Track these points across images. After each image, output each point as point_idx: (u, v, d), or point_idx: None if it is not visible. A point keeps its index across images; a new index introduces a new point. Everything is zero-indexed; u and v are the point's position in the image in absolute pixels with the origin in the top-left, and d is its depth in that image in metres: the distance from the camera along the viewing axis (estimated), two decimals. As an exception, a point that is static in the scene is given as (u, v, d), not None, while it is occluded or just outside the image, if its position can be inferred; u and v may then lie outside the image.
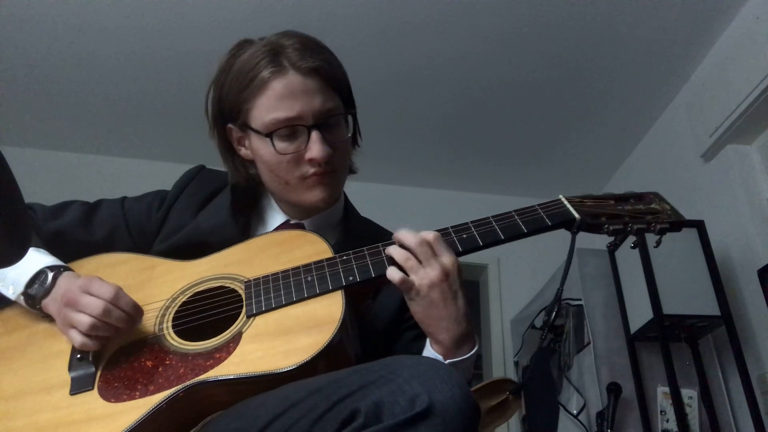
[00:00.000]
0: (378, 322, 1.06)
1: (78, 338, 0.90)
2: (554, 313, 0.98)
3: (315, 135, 1.00)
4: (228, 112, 1.06)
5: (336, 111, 1.03)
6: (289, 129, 1.00)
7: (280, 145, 1.01)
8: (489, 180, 3.52)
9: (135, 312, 0.92)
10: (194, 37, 2.62)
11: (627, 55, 2.71)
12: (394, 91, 2.89)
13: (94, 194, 1.26)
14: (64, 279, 0.96)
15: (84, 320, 0.89)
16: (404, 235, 0.93)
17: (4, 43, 2.63)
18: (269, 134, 1.00)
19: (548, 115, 3.06)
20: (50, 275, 0.96)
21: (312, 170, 1.02)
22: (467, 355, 0.92)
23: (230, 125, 1.07)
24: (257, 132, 1.02)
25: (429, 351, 0.94)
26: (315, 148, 1.00)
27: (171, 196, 1.15)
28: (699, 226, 2.35)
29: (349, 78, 1.09)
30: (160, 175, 1.60)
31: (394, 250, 0.92)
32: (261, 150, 1.04)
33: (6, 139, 3.03)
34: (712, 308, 2.22)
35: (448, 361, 0.91)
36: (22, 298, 0.97)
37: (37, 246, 1.03)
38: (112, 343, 0.94)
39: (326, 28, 2.54)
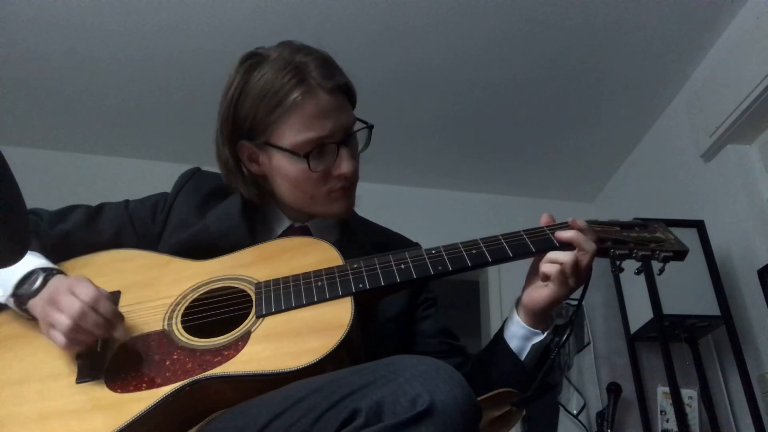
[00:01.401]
0: (385, 325, 1.07)
1: (60, 339, 0.88)
2: (567, 335, 1.03)
3: (344, 152, 1.05)
4: (247, 130, 1.05)
5: (357, 122, 1.09)
6: (320, 148, 1.03)
7: (313, 163, 1.03)
8: (490, 180, 3.51)
9: (114, 318, 0.91)
10: (194, 38, 2.61)
11: (627, 55, 2.71)
12: (395, 92, 2.89)
13: (95, 194, 1.27)
14: (55, 281, 0.95)
15: (63, 321, 0.88)
16: (580, 238, 0.99)
17: (4, 43, 2.63)
18: (306, 154, 1.02)
19: (549, 115, 3.06)
20: (41, 276, 0.95)
21: (339, 185, 1.06)
22: (551, 329, 1.04)
23: (244, 143, 1.07)
24: (287, 151, 1.03)
25: (519, 325, 1.03)
26: (345, 164, 1.05)
27: (171, 197, 1.16)
28: (699, 226, 2.35)
29: (350, 79, 1.11)
30: (160, 175, 1.60)
31: (565, 256, 0.98)
32: (286, 167, 1.05)
33: (6, 139, 3.03)
34: (712, 308, 2.22)
35: (545, 333, 1.03)
36: (11, 300, 0.96)
37: (36, 251, 1.02)
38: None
39: (326, 30, 2.54)
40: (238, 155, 1.09)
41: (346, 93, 1.07)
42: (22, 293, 0.95)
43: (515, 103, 2.98)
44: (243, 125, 1.05)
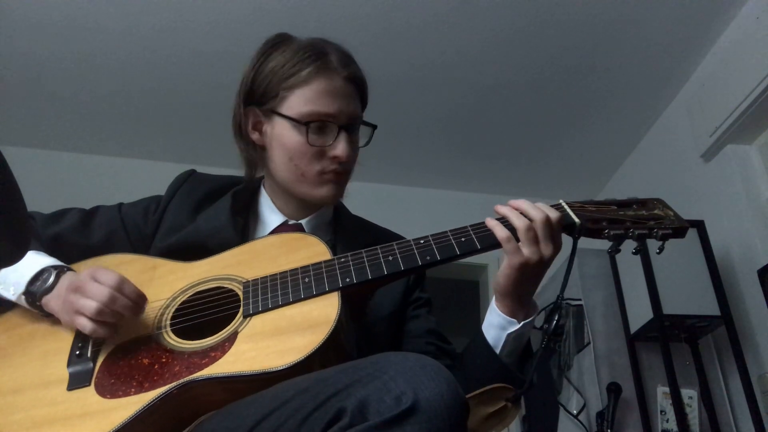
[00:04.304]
0: (377, 323, 1.06)
1: (87, 324, 0.92)
2: (554, 321, 0.98)
3: (344, 135, 1.07)
4: (259, 95, 1.10)
5: (362, 119, 1.12)
6: (321, 124, 1.06)
7: (312, 136, 1.05)
8: (489, 180, 3.52)
9: (139, 299, 0.95)
10: (194, 38, 2.62)
11: (627, 55, 2.71)
12: (394, 91, 2.89)
13: (94, 194, 1.27)
14: (67, 277, 0.97)
15: (90, 305, 0.91)
16: (527, 206, 0.96)
17: (4, 43, 2.63)
18: (306, 123, 1.05)
19: (548, 115, 3.06)
20: (53, 273, 0.97)
21: (332, 167, 1.08)
22: (529, 319, 0.98)
23: (254, 108, 1.11)
24: (291, 119, 1.06)
25: (496, 312, 0.98)
26: (342, 146, 1.07)
27: (165, 199, 1.17)
28: (699, 226, 2.35)
29: (366, 79, 1.17)
30: (160, 175, 1.60)
31: (517, 220, 0.95)
32: (286, 137, 1.07)
33: (6, 139, 3.03)
34: (712, 308, 2.22)
35: (522, 323, 0.97)
36: (23, 297, 0.98)
37: (40, 251, 1.04)
38: (111, 339, 0.94)
39: (326, 29, 2.53)
40: (243, 120, 1.13)
41: (358, 86, 1.11)
42: (35, 290, 0.97)
43: (515, 103, 2.98)
44: (257, 90, 1.10)
